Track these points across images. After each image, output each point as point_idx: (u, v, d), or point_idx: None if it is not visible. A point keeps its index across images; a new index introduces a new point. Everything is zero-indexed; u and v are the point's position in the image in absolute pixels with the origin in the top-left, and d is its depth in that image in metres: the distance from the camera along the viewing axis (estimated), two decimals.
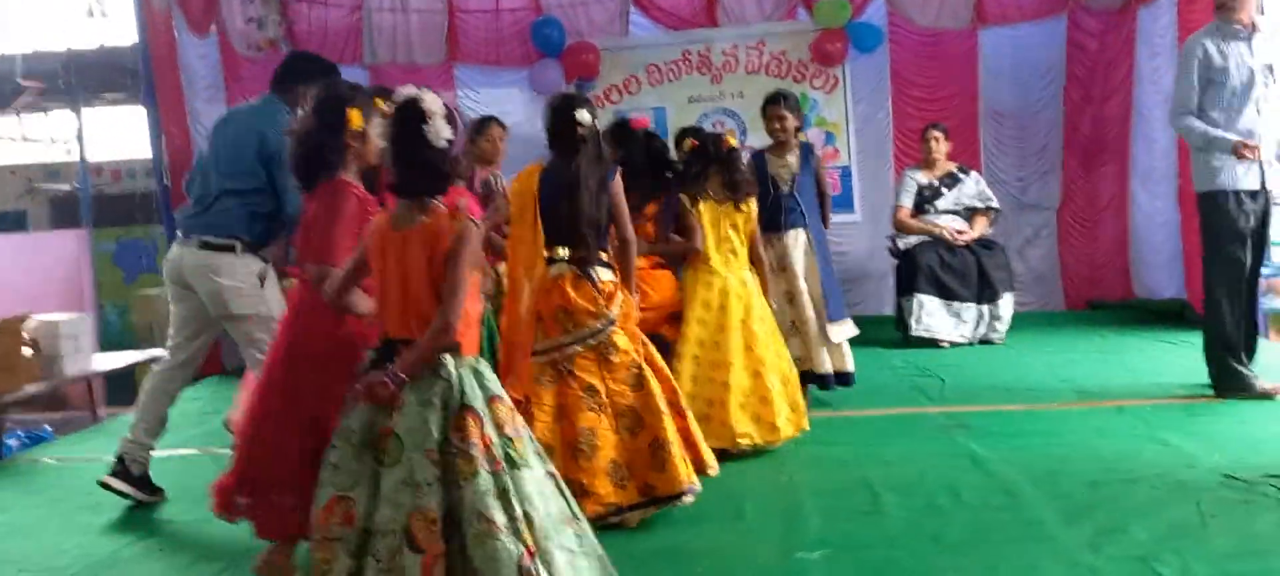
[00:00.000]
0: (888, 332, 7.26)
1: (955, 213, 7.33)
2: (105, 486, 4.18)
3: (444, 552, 2.50)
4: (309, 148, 3.13)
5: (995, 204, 7.42)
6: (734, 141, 4.77)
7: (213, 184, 4.13)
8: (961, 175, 7.41)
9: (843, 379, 5.29)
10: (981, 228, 7.34)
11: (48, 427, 7.08)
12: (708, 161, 4.66)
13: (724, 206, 4.65)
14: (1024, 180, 8.35)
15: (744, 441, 4.41)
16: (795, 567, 3.21)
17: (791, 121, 5.23)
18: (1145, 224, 7.84)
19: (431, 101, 2.69)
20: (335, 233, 3.04)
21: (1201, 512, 3.47)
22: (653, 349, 3.95)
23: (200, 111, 8.19)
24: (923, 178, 7.37)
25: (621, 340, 3.71)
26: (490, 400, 2.64)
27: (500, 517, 2.49)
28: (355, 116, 3.10)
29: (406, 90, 2.74)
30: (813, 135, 8.44)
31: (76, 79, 11.07)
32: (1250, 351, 5.17)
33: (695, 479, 3.66)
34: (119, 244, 10.43)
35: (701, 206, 4.64)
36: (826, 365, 5.18)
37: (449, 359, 2.61)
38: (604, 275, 3.75)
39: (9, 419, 7.03)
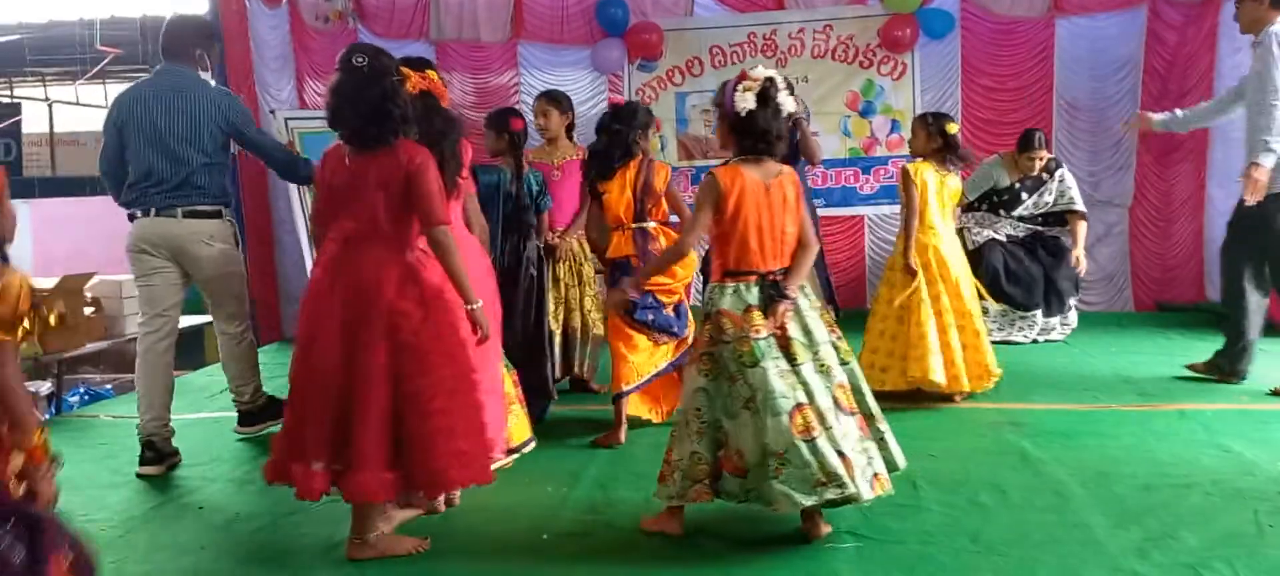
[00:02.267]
0: None
1: (1031, 220, 7.01)
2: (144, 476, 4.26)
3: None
4: (371, 109, 3.12)
5: (1078, 206, 6.95)
6: (953, 129, 5.18)
7: (185, 158, 4.33)
8: (1046, 176, 6.98)
9: None
10: (1081, 239, 6.78)
11: (109, 387, 7.26)
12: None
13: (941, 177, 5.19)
14: (1096, 175, 8.09)
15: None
16: (826, 558, 3.13)
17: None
18: (1221, 225, 7.49)
19: (781, 79, 3.26)
20: (438, 194, 3.17)
21: (1258, 521, 3.32)
22: None
23: (268, 82, 8.33)
24: (1005, 178, 7.02)
25: None
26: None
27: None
28: (414, 78, 3.24)
29: (761, 69, 3.26)
30: (877, 123, 8.30)
31: (153, 47, 11.28)
32: None
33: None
34: None
35: (927, 174, 5.12)
36: None
37: None
38: None
39: (72, 376, 7.24)
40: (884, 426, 3.37)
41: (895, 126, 8.26)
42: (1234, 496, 3.56)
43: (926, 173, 5.14)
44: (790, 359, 3.18)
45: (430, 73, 3.50)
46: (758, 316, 3.18)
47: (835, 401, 3.20)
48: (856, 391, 3.32)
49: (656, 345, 4.59)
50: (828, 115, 8.21)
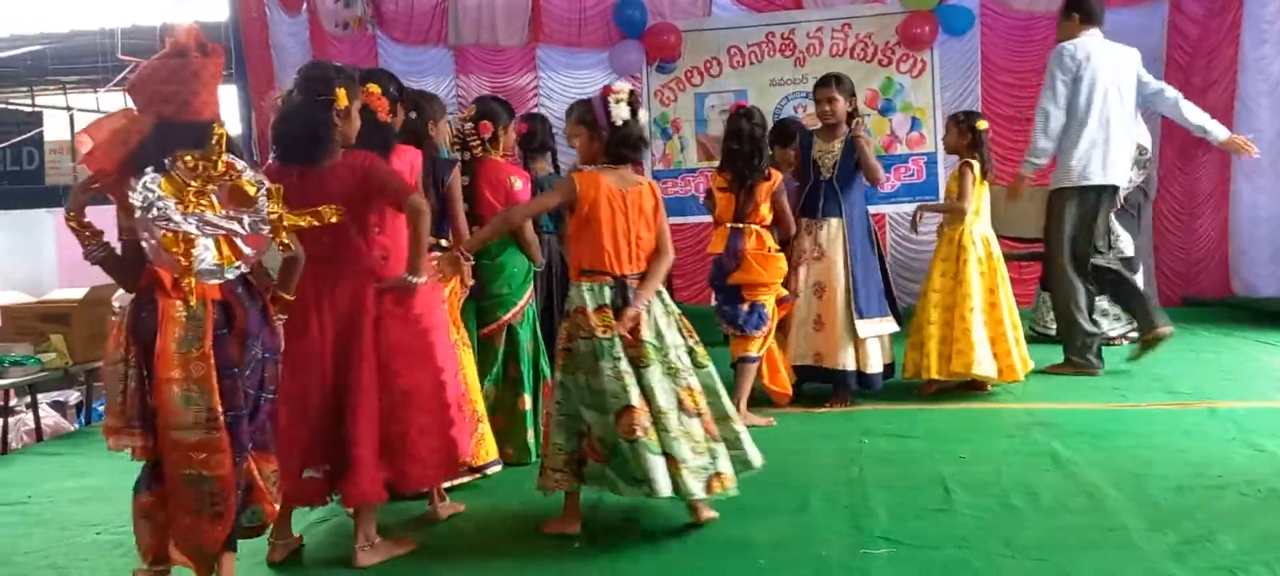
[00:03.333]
0: None
1: None
2: None
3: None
4: (302, 125, 3.19)
5: None
6: (983, 126, 5.37)
7: None
8: None
9: (864, 380, 5.10)
10: None
11: None
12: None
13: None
14: None
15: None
16: (859, 565, 3.12)
17: (842, 106, 5.07)
18: (1247, 218, 7.52)
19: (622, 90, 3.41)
20: (396, 174, 3.32)
21: None
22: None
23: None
24: None
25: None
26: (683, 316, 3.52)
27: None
28: (342, 95, 3.22)
29: (622, 83, 3.41)
30: (897, 120, 8.27)
31: None
32: None
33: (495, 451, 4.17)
34: None
35: (976, 174, 5.31)
36: (849, 362, 5.04)
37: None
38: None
39: (100, 385, 7.28)
40: (740, 427, 3.50)
41: (915, 124, 8.25)
42: (1270, 496, 3.53)
43: (977, 169, 5.32)
44: (638, 361, 3.31)
45: (371, 88, 3.53)
46: (608, 317, 3.31)
47: (680, 403, 3.33)
48: (711, 392, 3.44)
49: (742, 336, 4.91)
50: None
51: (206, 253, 2.70)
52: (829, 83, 5.12)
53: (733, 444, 3.45)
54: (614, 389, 3.26)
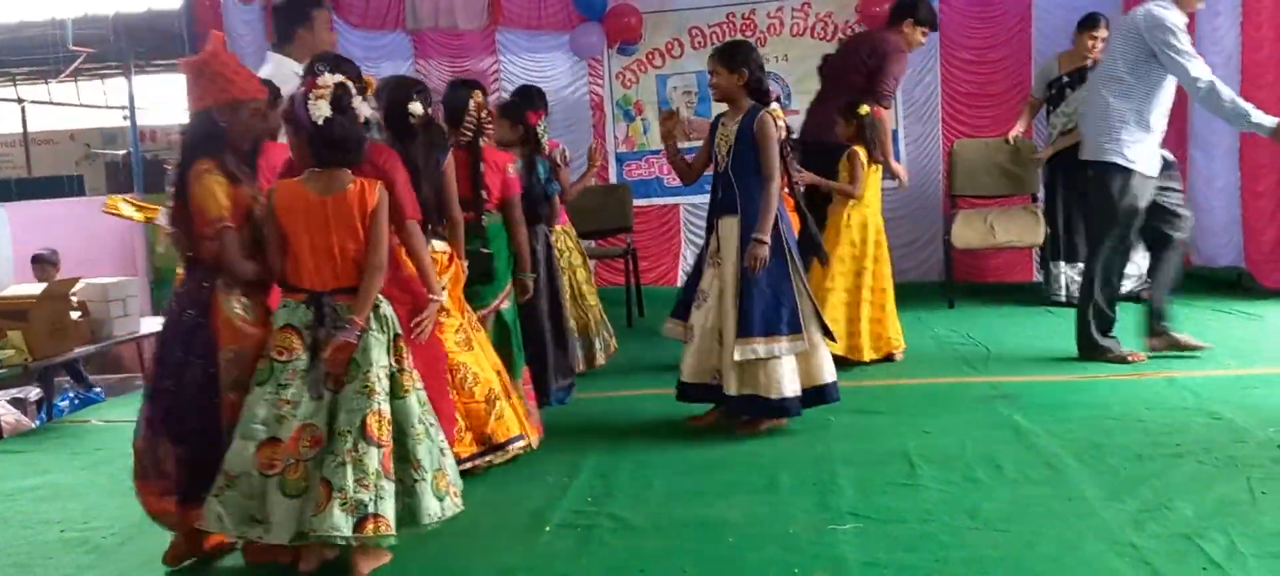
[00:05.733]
0: (934, 300, 7.16)
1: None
2: None
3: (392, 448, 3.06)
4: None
5: None
6: (864, 110, 5.52)
7: None
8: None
9: (753, 404, 4.23)
10: None
11: (99, 390, 7.21)
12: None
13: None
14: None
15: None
16: (827, 540, 3.16)
17: (727, 81, 4.28)
18: (1203, 189, 7.59)
19: (353, 85, 3.10)
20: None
21: (1251, 489, 3.36)
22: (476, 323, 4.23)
23: None
24: (1056, 70, 6.99)
25: (451, 305, 4.01)
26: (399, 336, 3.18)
27: (424, 425, 3.16)
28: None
29: (329, 76, 3.07)
30: None
31: (127, 44, 11.19)
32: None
33: (528, 429, 4.15)
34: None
35: (863, 160, 5.52)
36: (731, 386, 4.23)
37: (381, 296, 3.13)
38: (437, 246, 3.98)
39: (60, 381, 7.19)
40: (421, 476, 3.11)
41: None
42: (1226, 464, 3.61)
43: (863, 155, 5.53)
44: (338, 381, 3.02)
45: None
46: (290, 338, 3.02)
47: (363, 425, 2.98)
48: (401, 426, 3.10)
49: None
50: (808, 94, 8.10)
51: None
52: (715, 55, 4.37)
53: (407, 490, 3.10)
54: (263, 415, 2.98)
